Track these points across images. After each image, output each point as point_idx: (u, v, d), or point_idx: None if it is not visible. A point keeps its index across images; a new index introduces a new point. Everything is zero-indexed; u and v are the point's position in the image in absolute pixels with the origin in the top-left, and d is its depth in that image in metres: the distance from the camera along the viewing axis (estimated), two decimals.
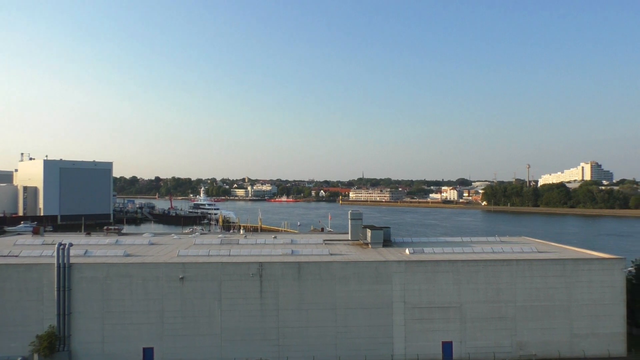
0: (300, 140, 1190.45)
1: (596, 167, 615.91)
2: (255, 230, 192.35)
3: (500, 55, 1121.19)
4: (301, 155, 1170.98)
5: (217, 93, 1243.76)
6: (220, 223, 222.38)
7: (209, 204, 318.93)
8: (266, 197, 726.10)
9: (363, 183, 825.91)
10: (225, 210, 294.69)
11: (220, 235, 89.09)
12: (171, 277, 57.97)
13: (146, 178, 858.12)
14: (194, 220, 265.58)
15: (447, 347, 58.92)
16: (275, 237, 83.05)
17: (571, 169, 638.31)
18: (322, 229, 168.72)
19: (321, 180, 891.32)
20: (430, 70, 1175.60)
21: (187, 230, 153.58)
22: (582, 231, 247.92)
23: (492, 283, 60.07)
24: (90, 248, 69.58)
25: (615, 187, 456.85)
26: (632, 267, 66.74)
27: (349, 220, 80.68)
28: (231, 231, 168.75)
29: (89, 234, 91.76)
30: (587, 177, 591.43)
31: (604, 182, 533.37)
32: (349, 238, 79.96)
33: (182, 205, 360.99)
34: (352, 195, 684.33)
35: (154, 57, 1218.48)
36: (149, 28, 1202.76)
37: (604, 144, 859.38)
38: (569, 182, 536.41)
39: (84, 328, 57.02)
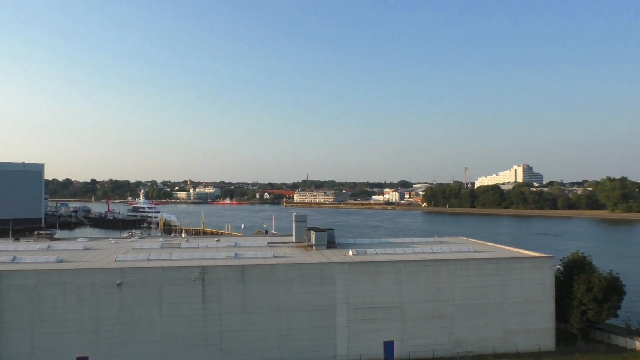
0: (243, 142, 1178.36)
1: (527, 170, 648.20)
2: (197, 233, 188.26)
3: (436, 60, 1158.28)
4: (245, 157, 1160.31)
5: (154, 93, 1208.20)
6: (161, 226, 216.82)
7: (149, 207, 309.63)
8: (209, 200, 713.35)
9: (307, 185, 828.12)
10: (166, 213, 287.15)
11: (160, 239, 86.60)
12: (108, 283, 55.81)
13: (81, 180, 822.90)
14: (133, 223, 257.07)
15: (388, 346, 60.07)
16: (218, 240, 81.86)
17: (505, 172, 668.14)
18: (266, 232, 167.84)
19: (265, 182, 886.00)
20: (373, 73, 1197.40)
21: (125, 234, 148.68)
22: (515, 231, 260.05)
23: (431, 282, 61.83)
24: (19, 254, 65.81)
25: (545, 189, 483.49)
26: (560, 265, 70.43)
27: (293, 223, 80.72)
28: (172, 235, 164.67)
29: (17, 239, 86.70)
30: (520, 179, 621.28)
31: (535, 184, 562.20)
32: (293, 240, 79.98)
33: (120, 208, 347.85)
34: (296, 197, 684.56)
35: (84, 57, 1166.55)
36: (76, 26, 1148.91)
37: (535, 147, 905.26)
38: (503, 183, 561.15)
39: (12, 339, 53.78)
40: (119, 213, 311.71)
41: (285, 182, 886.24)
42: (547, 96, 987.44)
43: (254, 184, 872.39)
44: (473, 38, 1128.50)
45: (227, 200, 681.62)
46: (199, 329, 56.99)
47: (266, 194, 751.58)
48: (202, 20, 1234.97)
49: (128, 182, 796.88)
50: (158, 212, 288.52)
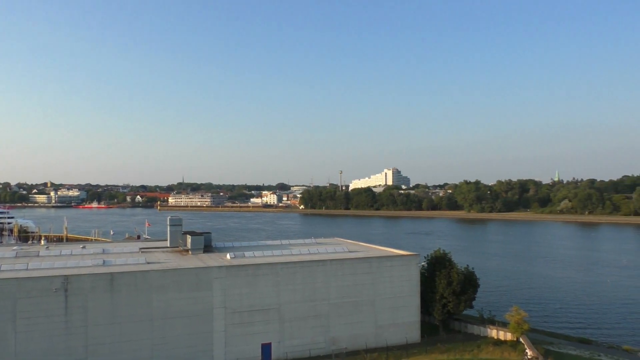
0: (113, 142, 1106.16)
1: (397, 173, 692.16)
2: (60, 240, 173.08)
3: (312, 63, 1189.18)
4: (115, 158, 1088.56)
5: (7, 89, 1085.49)
6: (16, 233, 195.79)
7: (1, 212, 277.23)
8: (73, 204, 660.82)
9: (183, 188, 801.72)
10: (22, 218, 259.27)
11: (15, 248, 78.13)
12: None
13: None
14: None
15: (266, 348, 60.34)
16: (83, 247, 76.04)
17: (376, 175, 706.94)
18: (139, 237, 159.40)
19: (138, 185, 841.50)
20: (251, 72, 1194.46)
21: None
22: (386, 231, 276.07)
23: (308, 283, 63.30)
24: None
25: (412, 191, 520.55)
26: (424, 262, 76.19)
27: (168, 227, 77.58)
28: (30, 242, 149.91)
29: None
30: (390, 182, 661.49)
31: (403, 186, 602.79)
32: (168, 245, 76.96)
33: None
34: (171, 200, 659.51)
35: None
36: None
37: (402, 152, 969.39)
38: (374, 186, 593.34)
39: None
40: None
41: (160, 185, 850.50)
42: (412, 104, 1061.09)
43: (124, 187, 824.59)
44: (359, 32, 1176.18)
45: (95, 204, 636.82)
46: (61, 344, 52.33)
47: (138, 197, 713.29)
48: (71, 12, 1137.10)
49: None
50: (12, 217, 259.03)
